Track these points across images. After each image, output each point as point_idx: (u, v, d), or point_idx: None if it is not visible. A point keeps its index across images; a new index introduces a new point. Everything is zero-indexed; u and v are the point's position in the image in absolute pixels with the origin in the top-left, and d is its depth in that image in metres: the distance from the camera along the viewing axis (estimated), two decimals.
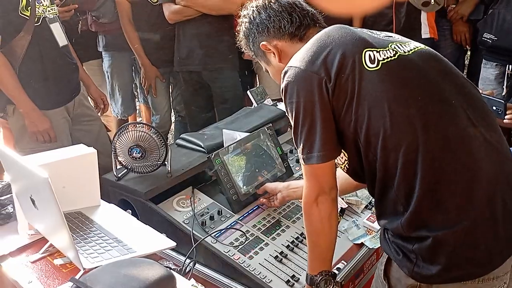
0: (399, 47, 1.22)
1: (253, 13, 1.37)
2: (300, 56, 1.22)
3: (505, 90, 2.74)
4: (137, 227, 1.42)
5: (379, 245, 1.59)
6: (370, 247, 1.60)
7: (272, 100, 2.41)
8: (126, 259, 1.20)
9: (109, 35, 3.15)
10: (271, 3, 1.35)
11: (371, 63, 1.16)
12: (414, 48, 1.23)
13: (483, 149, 1.14)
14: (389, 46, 1.21)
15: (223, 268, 1.50)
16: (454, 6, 2.88)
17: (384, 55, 1.18)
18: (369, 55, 1.17)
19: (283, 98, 1.23)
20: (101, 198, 1.56)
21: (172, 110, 3.39)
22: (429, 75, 1.19)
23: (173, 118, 3.52)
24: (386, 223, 1.22)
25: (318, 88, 1.15)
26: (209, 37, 2.80)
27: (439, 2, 2.76)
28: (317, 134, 1.17)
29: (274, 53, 1.36)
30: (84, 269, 1.17)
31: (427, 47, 1.27)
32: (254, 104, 2.32)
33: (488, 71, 2.81)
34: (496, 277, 1.15)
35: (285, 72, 1.21)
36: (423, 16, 2.84)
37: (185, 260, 1.47)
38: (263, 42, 1.36)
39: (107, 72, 3.28)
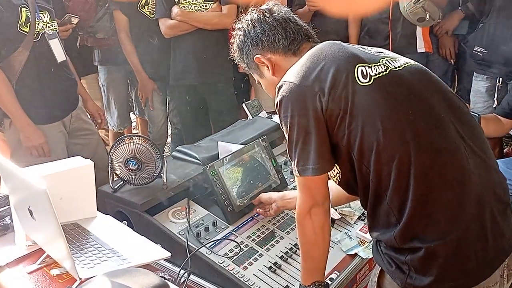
0: (389, 63, 1.25)
1: (247, 26, 1.39)
2: (294, 72, 1.24)
3: (496, 102, 2.79)
4: (132, 238, 1.44)
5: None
6: (364, 258, 1.62)
7: (267, 112, 2.44)
8: (122, 269, 1.21)
9: (104, 49, 3.19)
10: (266, 17, 1.37)
11: (363, 78, 1.19)
12: (404, 64, 1.27)
13: (471, 161, 1.18)
14: (380, 61, 1.24)
15: (217, 278, 1.51)
16: (440, 21, 2.95)
17: (376, 71, 1.21)
18: (362, 70, 1.20)
19: (277, 112, 1.25)
20: (98, 210, 1.58)
21: (169, 122, 3.42)
22: (419, 90, 1.22)
23: (169, 131, 3.55)
24: (379, 235, 1.24)
25: (312, 103, 1.18)
26: (204, 51, 2.85)
27: (434, 17, 2.82)
28: (312, 147, 1.19)
29: (267, 66, 1.38)
30: (80, 279, 1.19)
31: (416, 63, 1.31)
32: (249, 116, 2.35)
33: (479, 84, 2.86)
34: (486, 287, 1.18)
35: (280, 87, 1.24)
36: (418, 31, 2.90)
37: (180, 270, 1.49)
38: (257, 55, 1.38)
39: (103, 85, 3.32)
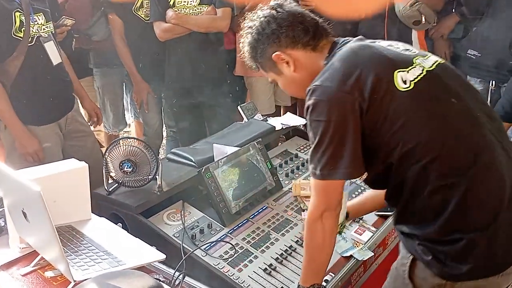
0: (423, 62, 1.27)
1: (261, 23, 1.35)
2: (329, 75, 1.23)
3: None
4: (127, 240, 1.44)
5: (368, 257, 1.62)
6: (360, 259, 1.62)
7: (262, 115, 2.44)
8: (116, 271, 1.21)
9: (100, 52, 3.19)
10: (279, 13, 1.34)
11: (403, 84, 1.21)
12: (435, 62, 1.30)
13: (502, 158, 1.23)
14: (414, 61, 1.26)
15: (212, 280, 1.51)
16: (435, 25, 2.97)
17: (414, 74, 1.23)
18: (401, 76, 1.21)
19: (308, 114, 1.24)
20: (92, 212, 1.58)
21: (164, 125, 3.42)
22: (454, 89, 1.26)
23: (164, 133, 3.55)
24: (412, 229, 1.26)
25: (351, 108, 1.19)
26: (199, 54, 2.84)
27: (429, 20, 2.84)
28: (346, 151, 1.20)
29: (288, 63, 1.35)
30: (74, 281, 1.19)
31: (443, 61, 1.33)
32: (245, 119, 2.35)
33: None
34: None
35: (314, 90, 1.22)
36: (414, 34, 2.91)
37: (175, 272, 1.49)
38: (276, 52, 1.34)
39: (98, 88, 3.31)
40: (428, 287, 1.27)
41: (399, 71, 1.22)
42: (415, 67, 1.25)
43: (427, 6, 2.77)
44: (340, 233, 1.62)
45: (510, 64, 2.55)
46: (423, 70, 1.25)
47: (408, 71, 1.23)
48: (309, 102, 1.24)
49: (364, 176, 1.32)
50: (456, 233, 1.20)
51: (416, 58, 1.28)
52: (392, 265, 1.40)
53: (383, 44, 1.33)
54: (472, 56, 2.74)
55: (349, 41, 1.34)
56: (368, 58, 1.25)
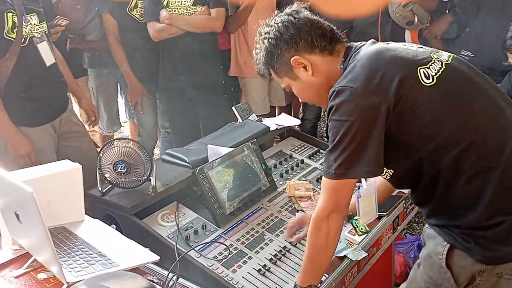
0: (439, 56, 1.31)
1: (279, 29, 1.37)
2: (353, 77, 1.25)
3: None
4: (120, 241, 1.43)
5: (362, 257, 1.63)
6: (353, 259, 1.62)
7: (257, 115, 2.44)
8: (109, 272, 1.21)
9: (94, 52, 3.18)
10: (297, 19, 1.36)
11: (427, 79, 1.25)
12: (450, 56, 1.34)
13: None
14: (432, 56, 1.30)
15: (206, 281, 1.51)
16: (429, 25, 2.98)
17: (435, 69, 1.27)
18: (423, 72, 1.26)
19: (331, 115, 1.26)
20: (86, 213, 1.58)
21: (159, 125, 3.42)
22: (474, 78, 1.31)
23: (159, 134, 3.54)
24: (452, 219, 1.28)
25: (376, 109, 1.21)
26: (193, 55, 2.84)
27: (422, 21, 2.86)
28: (368, 151, 1.22)
29: (305, 67, 1.37)
30: (67, 283, 1.18)
31: (455, 55, 1.38)
32: (239, 120, 2.35)
33: None
34: None
35: (339, 91, 1.24)
36: (407, 35, 2.93)
37: (168, 274, 1.48)
38: (295, 57, 1.36)
39: (92, 88, 3.30)
40: (467, 275, 1.29)
41: (421, 68, 1.26)
42: (434, 62, 1.29)
43: (420, 6, 2.78)
44: (360, 234, 1.66)
45: (503, 64, 2.56)
46: (442, 64, 1.29)
47: (429, 67, 1.27)
48: (333, 103, 1.25)
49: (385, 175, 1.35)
50: (498, 216, 1.22)
51: (432, 53, 1.32)
52: (420, 254, 1.42)
53: (398, 45, 1.36)
54: (465, 57, 2.75)
55: (363, 45, 1.37)
56: (390, 58, 1.28)
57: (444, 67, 1.29)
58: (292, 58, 1.37)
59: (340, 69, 1.35)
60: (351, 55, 1.34)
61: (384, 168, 1.32)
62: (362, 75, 1.25)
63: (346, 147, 1.23)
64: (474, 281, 1.30)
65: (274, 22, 1.39)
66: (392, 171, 1.33)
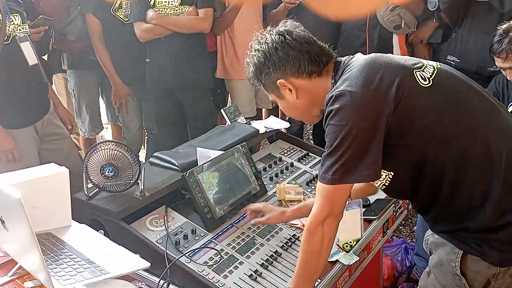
0: (429, 62, 1.34)
1: (269, 49, 1.36)
2: (351, 82, 1.24)
3: None
4: (109, 247, 1.39)
5: (354, 261, 1.62)
6: (346, 264, 1.61)
7: (245, 118, 2.42)
8: (99, 280, 1.17)
9: (75, 53, 3.11)
10: (288, 40, 1.35)
11: (423, 81, 1.26)
12: (437, 63, 1.37)
13: None
14: (423, 62, 1.33)
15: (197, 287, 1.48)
16: (414, 30, 3.02)
17: (429, 72, 1.30)
18: (420, 74, 1.27)
19: (329, 119, 1.24)
20: (72, 218, 1.53)
21: (144, 127, 3.36)
22: (466, 81, 1.33)
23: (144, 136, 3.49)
24: (461, 223, 1.28)
25: (376, 112, 1.21)
26: (181, 56, 2.81)
27: (409, 25, 2.89)
28: (367, 155, 1.20)
29: (290, 90, 1.38)
30: None
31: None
32: (228, 122, 2.33)
33: None
34: None
35: (337, 96, 1.23)
36: (395, 39, 2.95)
37: (159, 280, 1.45)
38: (280, 80, 1.37)
39: (73, 90, 3.23)
40: (482, 280, 1.29)
41: (416, 71, 1.28)
42: (426, 66, 1.32)
43: (408, 11, 2.80)
44: (347, 251, 1.64)
45: (489, 70, 2.59)
46: (434, 68, 1.32)
47: (423, 70, 1.30)
48: (331, 107, 1.24)
49: (379, 183, 1.34)
50: (507, 215, 1.23)
51: (421, 60, 1.35)
52: (430, 262, 1.41)
53: (389, 54, 1.37)
54: (451, 62, 2.78)
55: (352, 58, 1.37)
56: (386, 63, 1.29)
57: (436, 70, 1.31)
58: (277, 81, 1.38)
59: (331, 84, 1.35)
60: (342, 69, 1.34)
61: (384, 172, 1.31)
62: (360, 80, 1.24)
63: (345, 151, 1.21)
64: (489, 285, 1.30)
65: (265, 41, 1.38)
66: (392, 174, 1.31)
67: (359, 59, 1.34)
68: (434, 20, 3.02)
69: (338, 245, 1.68)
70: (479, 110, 1.28)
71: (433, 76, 1.29)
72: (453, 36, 2.84)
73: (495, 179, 1.23)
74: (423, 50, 3.14)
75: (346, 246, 1.65)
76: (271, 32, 1.39)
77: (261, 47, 1.39)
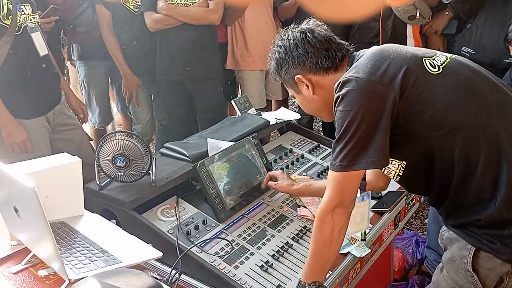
0: (443, 53, 1.33)
1: (290, 45, 1.41)
2: (359, 69, 1.25)
3: None
4: (122, 237, 1.40)
5: (366, 253, 1.61)
6: (357, 256, 1.61)
7: (256, 109, 2.41)
8: (113, 269, 1.18)
9: (85, 44, 3.11)
10: (309, 38, 1.39)
11: (433, 68, 1.25)
12: (452, 54, 1.35)
13: None
14: (436, 52, 1.32)
15: (208, 278, 1.49)
16: (429, 21, 2.97)
17: (440, 61, 1.28)
18: (429, 62, 1.27)
19: (336, 105, 1.25)
20: (84, 208, 1.53)
21: (154, 119, 3.37)
22: (479, 70, 1.31)
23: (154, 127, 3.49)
24: (472, 215, 1.26)
25: (382, 98, 1.20)
26: (191, 47, 2.80)
27: (424, 15, 2.84)
28: (374, 141, 1.20)
29: (307, 86, 1.41)
30: (69, 280, 1.15)
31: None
32: (238, 113, 2.32)
33: None
34: None
35: (344, 82, 1.24)
36: (409, 29, 2.90)
37: (171, 270, 1.46)
38: (298, 75, 1.41)
39: (83, 82, 3.23)
40: (495, 277, 1.28)
41: (426, 59, 1.27)
42: (439, 55, 1.31)
43: (423, 1, 2.76)
44: (365, 240, 1.65)
45: (504, 61, 2.55)
46: (447, 57, 1.31)
47: (434, 59, 1.28)
48: (338, 94, 1.25)
49: (393, 174, 1.33)
50: None
51: (436, 52, 1.34)
52: (443, 258, 1.40)
53: (401, 45, 1.36)
54: (466, 54, 2.74)
55: (367, 50, 1.37)
56: (394, 52, 1.29)
57: (449, 59, 1.30)
58: (295, 76, 1.41)
59: None
60: (355, 60, 1.35)
61: (397, 162, 1.30)
62: (367, 66, 1.25)
63: (351, 137, 1.21)
64: (502, 283, 1.28)
65: (287, 37, 1.43)
66: (405, 164, 1.30)
67: (370, 49, 1.34)
68: (449, 8, 2.97)
69: (349, 236, 1.67)
70: (490, 99, 1.25)
71: (444, 64, 1.27)
72: (468, 27, 2.80)
73: (505, 170, 1.20)
74: (437, 41, 3.09)
75: (362, 235, 1.64)
76: (294, 29, 1.43)
77: (283, 43, 1.43)
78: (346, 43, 1.43)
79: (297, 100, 1.52)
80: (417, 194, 1.91)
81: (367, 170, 1.53)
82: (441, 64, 1.27)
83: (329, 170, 1.29)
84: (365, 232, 1.65)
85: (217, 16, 2.78)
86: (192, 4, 2.76)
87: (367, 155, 1.21)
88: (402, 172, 1.33)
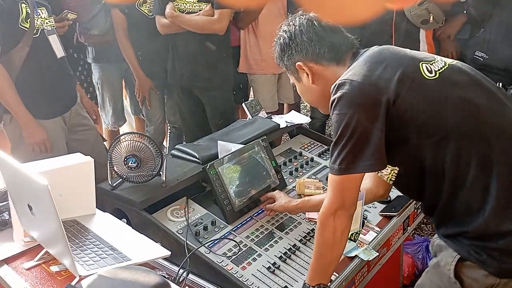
0: (443, 58, 1.31)
1: (295, 31, 1.40)
2: (355, 71, 1.25)
3: None
4: (132, 235, 1.43)
5: (373, 257, 1.62)
6: (365, 259, 1.61)
7: (266, 112, 2.43)
8: (122, 266, 1.21)
9: (99, 46, 3.17)
10: (315, 26, 1.38)
11: (429, 73, 1.23)
12: (454, 61, 1.34)
13: None
14: (436, 57, 1.30)
15: (216, 278, 1.51)
16: (442, 25, 2.95)
17: (438, 66, 1.27)
18: (426, 67, 1.25)
19: (332, 108, 1.25)
20: (96, 207, 1.57)
21: (167, 121, 3.41)
22: (479, 79, 1.28)
23: (166, 129, 3.53)
24: (461, 226, 1.24)
25: (376, 101, 1.19)
26: (201, 52, 2.79)
27: (437, 20, 2.82)
28: (369, 144, 1.20)
29: (307, 74, 1.40)
30: (79, 276, 1.18)
31: (458, 61, 1.36)
32: (249, 116, 2.34)
33: None
34: None
35: (340, 85, 1.24)
36: (422, 34, 2.89)
37: (179, 270, 1.48)
38: (299, 62, 1.40)
39: (97, 83, 3.29)
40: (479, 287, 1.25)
41: (423, 63, 1.26)
42: (437, 61, 1.29)
43: (436, 5, 2.75)
44: (354, 241, 1.62)
45: None
46: (445, 63, 1.29)
47: (432, 64, 1.27)
48: (334, 97, 1.25)
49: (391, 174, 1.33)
50: (508, 222, 1.18)
51: (437, 56, 1.33)
52: (430, 263, 1.39)
53: (402, 48, 1.36)
54: (479, 58, 2.72)
55: (369, 49, 1.37)
56: (392, 54, 1.29)
57: (447, 66, 1.28)
58: (297, 63, 1.40)
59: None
60: (357, 59, 1.34)
61: (389, 167, 1.29)
62: (363, 69, 1.24)
63: (348, 141, 1.21)
64: None
65: (293, 23, 1.42)
66: (398, 170, 1.30)
67: (370, 50, 1.33)
68: (465, 13, 2.95)
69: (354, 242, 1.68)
70: (485, 109, 1.22)
71: (441, 70, 1.26)
72: (481, 32, 2.78)
73: (495, 183, 1.17)
74: (450, 46, 3.07)
75: (356, 236, 1.64)
76: (302, 16, 1.42)
77: (288, 28, 1.42)
78: (353, 37, 1.42)
79: (297, 88, 1.50)
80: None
81: (368, 178, 1.53)
82: (438, 70, 1.25)
83: (329, 173, 1.29)
84: (357, 232, 1.64)
85: (221, 26, 2.72)
86: (200, 9, 2.73)
87: (364, 158, 1.20)
88: (394, 177, 1.32)
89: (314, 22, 1.38)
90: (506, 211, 1.18)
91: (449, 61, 1.32)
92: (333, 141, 1.26)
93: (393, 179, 1.34)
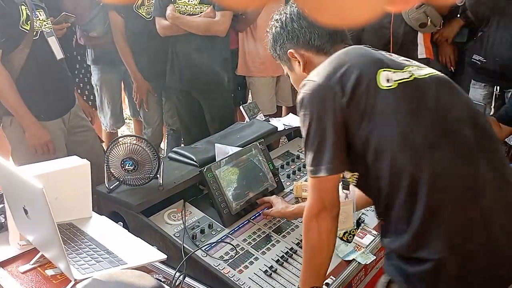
0: (414, 71, 1.24)
1: (285, 19, 1.41)
2: (318, 71, 1.24)
3: (493, 110, 2.80)
4: (128, 239, 1.43)
5: (371, 260, 1.61)
6: (362, 263, 1.61)
7: (264, 115, 2.43)
8: (117, 270, 1.20)
9: (98, 48, 3.17)
10: (306, 14, 1.36)
11: (386, 82, 1.18)
12: (430, 73, 1.25)
13: (489, 175, 1.15)
14: (405, 68, 1.23)
15: (212, 281, 1.50)
16: (439, 28, 2.96)
17: (400, 76, 1.20)
18: (385, 75, 1.19)
19: (298, 109, 1.25)
20: (92, 210, 1.57)
21: (164, 123, 3.41)
22: (443, 101, 1.20)
23: (164, 132, 3.53)
24: (389, 242, 1.23)
25: (331, 103, 1.17)
26: (200, 55, 2.79)
27: (435, 23, 2.83)
28: (327, 147, 1.18)
29: (299, 62, 1.40)
30: (75, 280, 1.17)
31: (441, 74, 1.29)
32: (247, 119, 2.34)
33: (476, 91, 2.88)
34: None
35: (303, 85, 1.24)
36: (420, 37, 2.89)
37: (175, 273, 1.48)
38: (291, 50, 1.40)
39: (96, 85, 3.29)
40: None
41: (384, 70, 1.20)
42: (404, 71, 1.22)
43: (433, 9, 2.76)
44: (348, 241, 1.61)
45: None
46: (411, 75, 1.21)
47: (394, 72, 1.21)
48: (298, 97, 1.25)
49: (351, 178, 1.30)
50: (421, 251, 1.14)
51: (409, 67, 1.25)
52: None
53: (383, 52, 1.31)
54: (477, 62, 2.73)
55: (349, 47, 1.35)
56: (357, 56, 1.25)
57: (412, 78, 1.20)
58: (288, 51, 1.41)
59: None
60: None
61: (349, 172, 1.28)
62: (326, 70, 1.22)
63: (312, 143, 1.20)
64: None
65: (284, 12, 1.43)
66: (357, 175, 1.27)
67: (340, 51, 1.30)
68: (459, 16, 2.96)
69: (354, 243, 1.68)
70: (431, 136, 1.15)
71: (402, 81, 1.19)
72: (479, 36, 2.79)
73: (422, 208, 1.12)
74: (448, 49, 3.08)
75: (350, 237, 1.63)
76: (293, 4, 1.42)
77: (280, 17, 1.43)
78: (344, 31, 1.40)
79: (291, 79, 1.49)
80: None
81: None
82: (399, 80, 1.18)
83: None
84: (351, 230, 1.62)
85: (222, 27, 2.72)
86: (201, 11, 2.75)
87: (324, 161, 1.18)
88: (355, 182, 1.29)
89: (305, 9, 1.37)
90: (423, 239, 1.14)
91: (418, 74, 1.23)
92: (303, 142, 1.25)
93: (354, 183, 1.30)
